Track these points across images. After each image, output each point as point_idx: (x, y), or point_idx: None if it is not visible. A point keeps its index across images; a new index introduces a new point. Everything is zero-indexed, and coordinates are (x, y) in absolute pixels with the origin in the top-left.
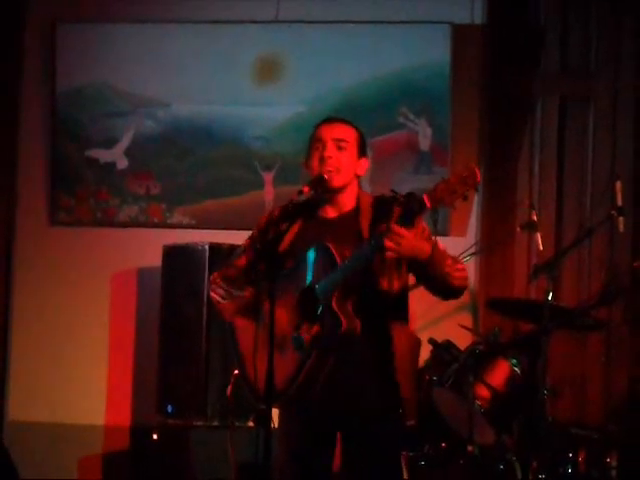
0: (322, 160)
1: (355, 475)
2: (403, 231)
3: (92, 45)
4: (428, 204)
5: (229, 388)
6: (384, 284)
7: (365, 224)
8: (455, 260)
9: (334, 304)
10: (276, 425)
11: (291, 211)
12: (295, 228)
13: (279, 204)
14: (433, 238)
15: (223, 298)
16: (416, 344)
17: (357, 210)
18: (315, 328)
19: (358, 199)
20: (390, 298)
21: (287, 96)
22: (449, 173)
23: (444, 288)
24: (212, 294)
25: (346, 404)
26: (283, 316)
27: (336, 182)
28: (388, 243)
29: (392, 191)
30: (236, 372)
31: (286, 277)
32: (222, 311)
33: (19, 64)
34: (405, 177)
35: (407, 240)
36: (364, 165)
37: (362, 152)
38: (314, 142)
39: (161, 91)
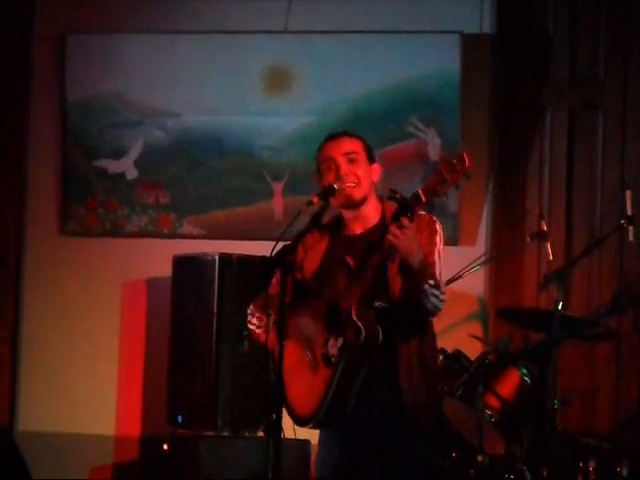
0: (340, 178)
1: None
2: (405, 221)
3: (101, 56)
4: (423, 198)
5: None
6: (396, 294)
7: None
8: (438, 284)
9: (354, 314)
10: (286, 435)
11: (314, 224)
12: (323, 247)
13: (288, 214)
14: (436, 252)
15: (258, 327)
16: (433, 355)
17: (382, 222)
18: (340, 341)
19: (383, 211)
20: (403, 309)
21: (296, 106)
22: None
23: (416, 303)
24: (250, 327)
25: (379, 417)
26: (318, 337)
27: (358, 195)
28: (389, 236)
29: (391, 190)
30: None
31: (315, 296)
32: (263, 341)
33: (29, 75)
34: (414, 187)
35: (406, 232)
36: (377, 170)
37: (371, 158)
38: (324, 162)
39: (170, 101)
